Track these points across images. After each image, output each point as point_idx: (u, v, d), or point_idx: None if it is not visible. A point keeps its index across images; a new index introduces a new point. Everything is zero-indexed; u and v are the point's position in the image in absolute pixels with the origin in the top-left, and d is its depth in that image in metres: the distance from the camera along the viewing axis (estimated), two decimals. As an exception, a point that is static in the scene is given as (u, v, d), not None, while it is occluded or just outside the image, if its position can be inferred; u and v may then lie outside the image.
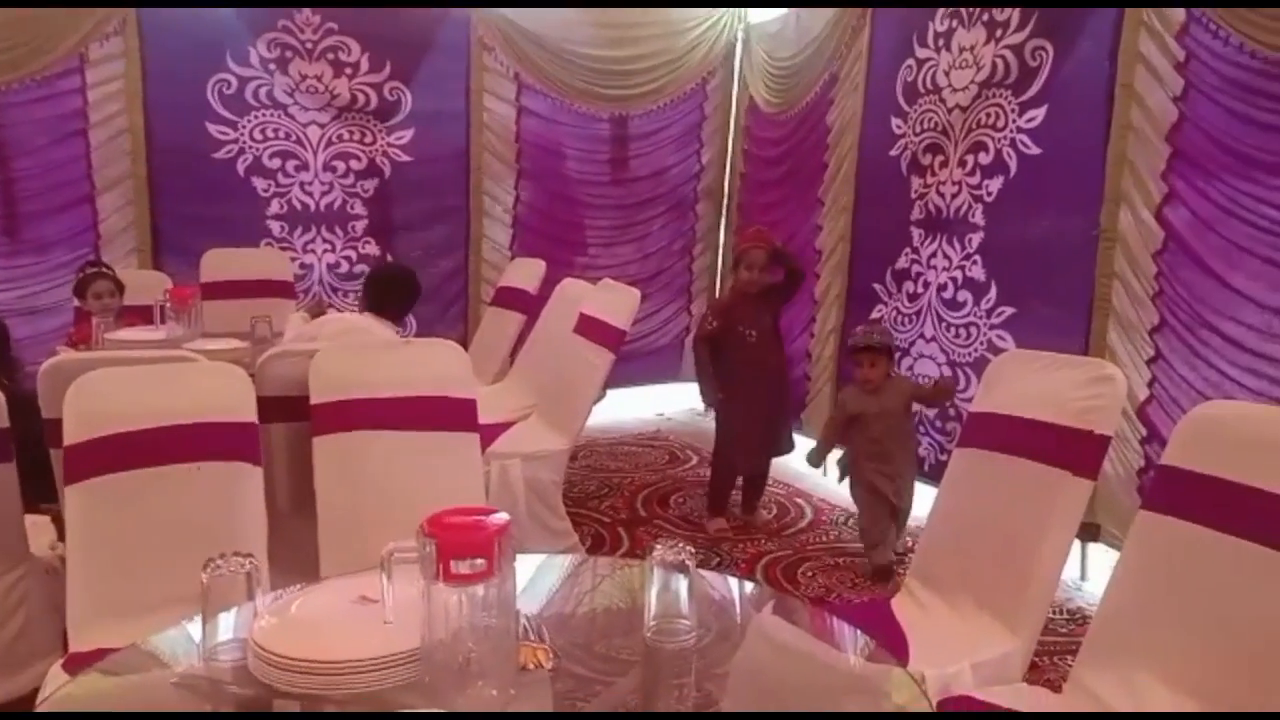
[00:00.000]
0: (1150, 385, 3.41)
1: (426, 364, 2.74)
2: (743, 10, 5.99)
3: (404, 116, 5.55)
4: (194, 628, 1.54)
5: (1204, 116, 3.26)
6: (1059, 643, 3.09)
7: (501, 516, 1.42)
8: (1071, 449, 2.19)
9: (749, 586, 2.09)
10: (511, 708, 1.39)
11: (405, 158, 5.59)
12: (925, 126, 4.39)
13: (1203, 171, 3.28)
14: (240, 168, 5.31)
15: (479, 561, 1.34)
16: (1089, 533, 3.49)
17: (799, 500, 4.57)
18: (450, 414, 2.67)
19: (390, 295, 3.71)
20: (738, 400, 4.19)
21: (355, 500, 2.52)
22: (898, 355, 4.57)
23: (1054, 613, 3.30)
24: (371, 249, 5.59)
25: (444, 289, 5.70)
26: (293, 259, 5.34)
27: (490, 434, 3.58)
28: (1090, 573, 3.63)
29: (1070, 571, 3.30)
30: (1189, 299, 3.31)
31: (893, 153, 4.58)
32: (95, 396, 2.28)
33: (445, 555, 1.33)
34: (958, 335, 4.23)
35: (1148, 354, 3.43)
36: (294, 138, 5.39)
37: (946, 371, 4.29)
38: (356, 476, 2.55)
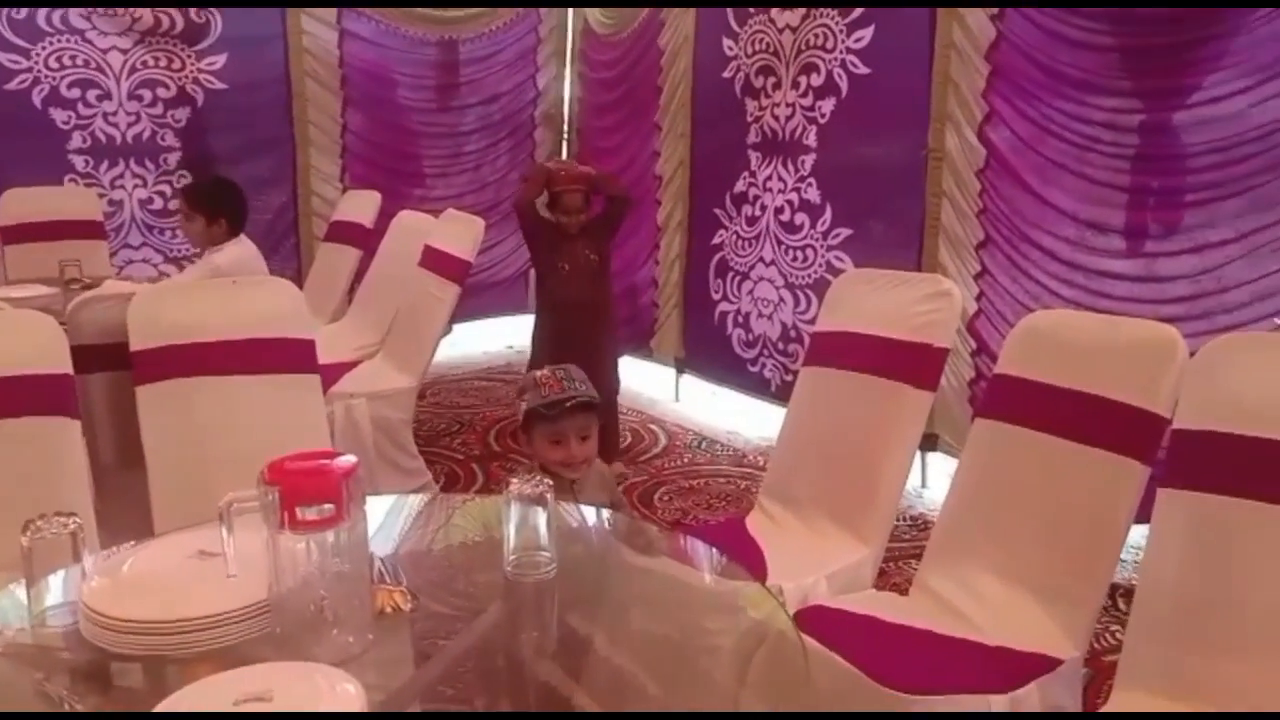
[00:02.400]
0: (978, 299, 3.58)
1: (258, 304, 2.59)
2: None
3: (214, 40, 5.18)
4: (21, 593, 1.43)
5: (1020, 35, 3.38)
6: (904, 548, 3.25)
7: (348, 459, 1.37)
8: (912, 363, 2.27)
9: (606, 514, 2.09)
10: (371, 653, 1.35)
11: (219, 85, 5.23)
12: (757, 48, 4.40)
13: (1020, 90, 3.41)
14: (36, 99, 4.86)
15: (326, 506, 1.29)
16: (928, 442, 3.65)
17: (652, 427, 4.62)
18: (287, 355, 2.54)
19: (227, 199, 3.68)
20: (546, 333, 4.08)
21: (187, 452, 2.38)
22: (736, 279, 4.64)
23: (898, 520, 3.44)
24: (187, 183, 5.22)
25: (274, 225, 5.40)
26: (101, 196, 4.96)
27: (332, 374, 3.45)
28: (930, 480, 3.83)
29: (912, 480, 3.46)
30: (1010, 215, 3.47)
31: (726, 75, 4.58)
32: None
33: (290, 502, 1.27)
34: (796, 258, 4.32)
35: (975, 269, 3.59)
36: (94, 65, 4.96)
37: (785, 295, 4.37)
38: (187, 426, 2.41)
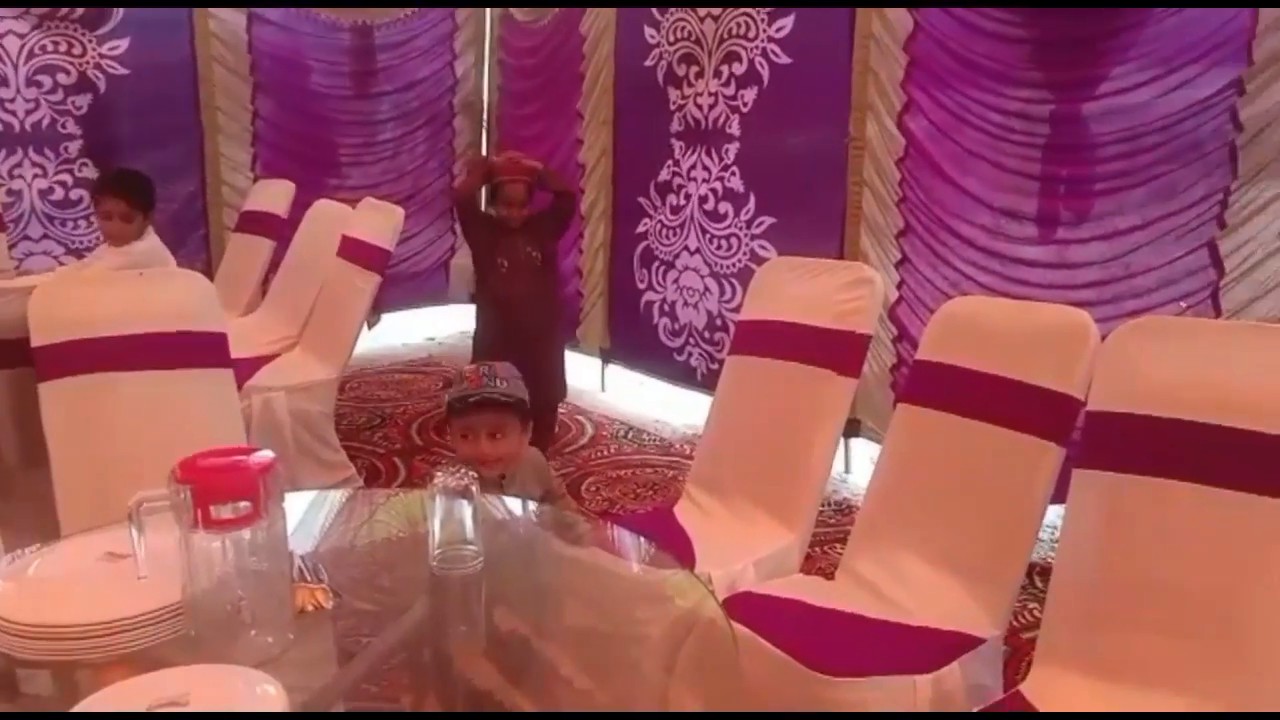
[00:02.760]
0: (899, 286, 3.63)
1: (167, 297, 2.50)
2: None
3: (116, 24, 4.97)
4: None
5: (936, 27, 3.44)
6: (829, 533, 3.29)
7: (265, 454, 1.33)
8: (836, 350, 2.30)
9: (532, 506, 2.07)
10: (292, 653, 1.31)
11: (122, 70, 5.03)
12: (679, 36, 4.40)
13: (937, 80, 3.47)
14: (-74, 84, 4.63)
15: (242, 504, 1.25)
16: (852, 428, 3.70)
17: (579, 418, 4.59)
18: (198, 349, 2.45)
19: (147, 190, 3.60)
20: (486, 333, 3.92)
21: (95, 450, 2.29)
22: (661, 269, 4.64)
23: (823, 506, 3.48)
24: (90, 172, 5.02)
25: (181, 216, 5.22)
26: (-2, 185, 4.74)
27: (248, 368, 3.36)
28: (854, 466, 3.88)
29: (836, 466, 3.50)
30: (928, 203, 3.53)
31: (648, 63, 4.57)
32: None
33: (203, 500, 1.23)
34: (720, 246, 4.34)
35: (895, 257, 3.64)
36: (-13, 48, 4.73)
37: (710, 284, 4.39)
38: (94, 424, 2.31)
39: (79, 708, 1.14)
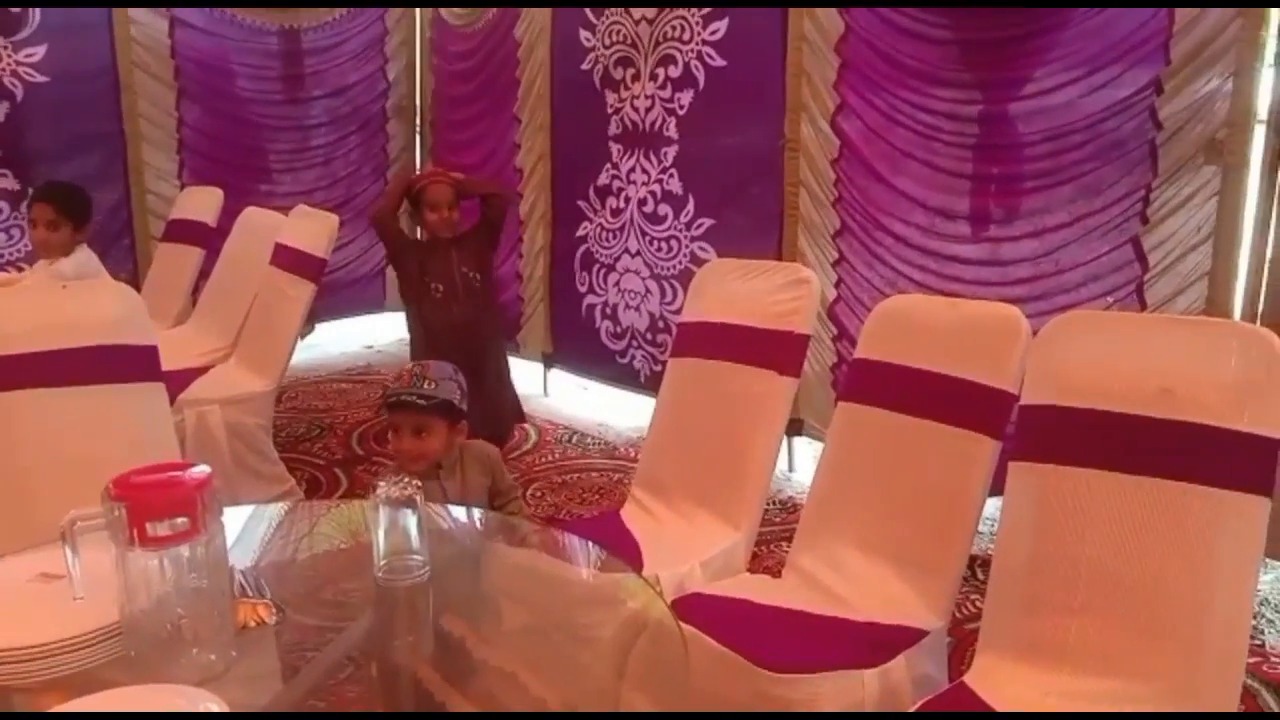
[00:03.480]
0: (837, 286, 3.67)
1: (93, 310, 2.42)
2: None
3: (33, 30, 4.83)
4: None
5: (866, 28, 3.49)
6: (774, 531, 3.32)
7: (202, 469, 1.30)
8: (776, 350, 2.32)
9: (477, 513, 2.06)
10: (235, 670, 1.29)
11: (40, 78, 4.88)
12: (615, 39, 4.41)
13: (868, 81, 3.52)
14: None
15: (180, 521, 1.23)
16: (794, 427, 3.74)
17: (523, 424, 4.56)
18: (127, 363, 2.39)
19: (80, 203, 3.58)
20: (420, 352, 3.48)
21: (20, 469, 2.22)
22: (602, 271, 4.64)
23: (768, 504, 3.48)
24: (9, 183, 4.87)
25: (106, 226, 5.07)
26: (-89, 198, 4.58)
27: (180, 381, 3.28)
28: (797, 464, 3.91)
29: (779, 464, 3.53)
30: (863, 203, 3.58)
31: (585, 66, 4.57)
32: None
33: (138, 518, 1.21)
34: (660, 249, 4.35)
35: (833, 257, 3.69)
36: (-103, 56, 4.57)
37: (651, 285, 4.40)
38: (19, 442, 2.24)
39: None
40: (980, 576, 2.68)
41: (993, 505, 1.94)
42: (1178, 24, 2.78)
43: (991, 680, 1.70)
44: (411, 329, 3.62)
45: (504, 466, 2.41)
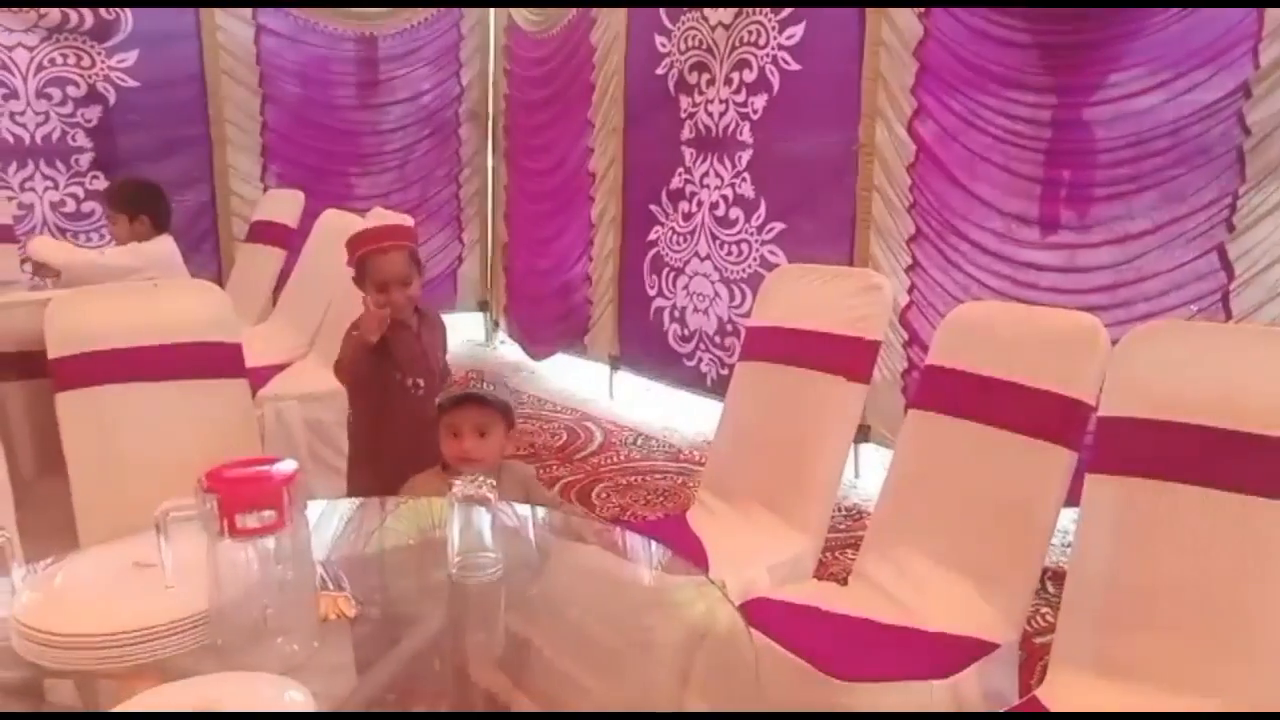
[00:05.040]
0: (910, 291, 3.64)
1: (182, 308, 2.51)
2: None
3: (125, 37, 5.02)
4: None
5: (946, 32, 3.45)
6: (840, 538, 3.29)
7: (288, 464, 1.34)
8: (846, 355, 2.30)
9: (542, 513, 2.08)
10: (315, 660, 1.32)
11: (131, 83, 5.07)
12: (690, 45, 4.42)
13: (946, 86, 3.48)
14: (-63, 98, 4.67)
15: (268, 513, 1.26)
16: (861, 434, 3.71)
17: (588, 424, 4.61)
18: (213, 360, 2.47)
19: (148, 198, 3.65)
20: (385, 470, 2.43)
21: (112, 461, 2.30)
22: (672, 275, 4.65)
23: (834, 511, 3.48)
24: (101, 184, 5.05)
25: (192, 227, 5.25)
26: (10, 198, 4.79)
27: (260, 377, 3.38)
28: (864, 471, 3.88)
29: (846, 471, 3.50)
30: (939, 208, 3.53)
31: (659, 71, 4.59)
32: None
33: (230, 510, 1.25)
34: (730, 252, 4.35)
35: (906, 262, 3.65)
36: (-1, 62, 4.77)
37: (720, 289, 4.40)
38: (112, 435, 2.33)
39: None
40: (1052, 590, 2.63)
41: (1066, 517, 1.91)
42: (1268, 28, 2.70)
43: (1065, 695, 1.66)
44: (356, 435, 2.88)
45: (540, 485, 2.36)
